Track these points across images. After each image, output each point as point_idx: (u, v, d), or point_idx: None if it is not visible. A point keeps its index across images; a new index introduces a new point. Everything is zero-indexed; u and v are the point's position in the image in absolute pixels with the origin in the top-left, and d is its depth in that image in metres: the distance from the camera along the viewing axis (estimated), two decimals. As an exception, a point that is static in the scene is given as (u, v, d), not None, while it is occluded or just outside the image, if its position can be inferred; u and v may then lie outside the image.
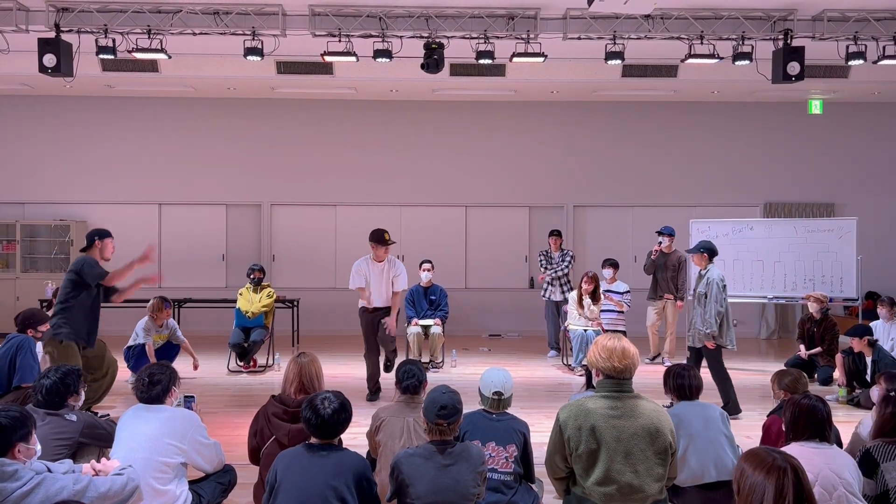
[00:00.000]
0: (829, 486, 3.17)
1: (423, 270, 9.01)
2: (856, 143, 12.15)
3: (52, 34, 7.74)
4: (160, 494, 3.47)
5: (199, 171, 11.86)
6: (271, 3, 7.82)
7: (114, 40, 7.87)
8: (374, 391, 7.35)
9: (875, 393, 5.29)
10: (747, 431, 5.61)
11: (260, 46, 7.94)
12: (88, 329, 6.13)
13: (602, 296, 8.88)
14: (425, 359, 8.63)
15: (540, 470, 3.74)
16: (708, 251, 6.87)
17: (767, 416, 4.50)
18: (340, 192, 11.98)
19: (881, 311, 7.93)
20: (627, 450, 3.18)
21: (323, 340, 10.79)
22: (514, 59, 8.29)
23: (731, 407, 6.53)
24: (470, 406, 3.62)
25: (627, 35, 8.09)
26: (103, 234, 6.28)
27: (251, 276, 8.77)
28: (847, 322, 9.95)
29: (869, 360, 7.26)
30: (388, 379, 7.35)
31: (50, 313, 6.21)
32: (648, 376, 8.46)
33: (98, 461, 3.35)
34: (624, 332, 8.42)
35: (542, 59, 8.25)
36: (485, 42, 8.08)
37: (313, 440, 3.26)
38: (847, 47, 8.10)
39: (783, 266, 9.57)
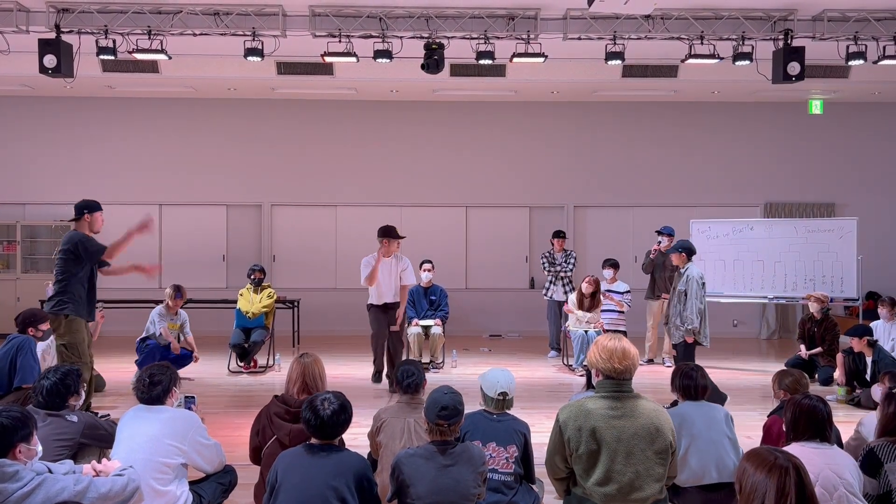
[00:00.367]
0: (829, 487, 3.17)
1: (424, 271, 9.01)
2: (856, 143, 12.14)
3: (53, 35, 7.74)
4: (161, 495, 3.47)
5: (200, 171, 11.86)
6: (271, 4, 7.83)
7: (114, 41, 7.88)
8: (378, 374, 7.78)
9: (877, 392, 5.30)
10: (748, 432, 5.60)
11: (260, 47, 7.94)
12: (88, 302, 6.05)
13: (603, 295, 8.89)
14: (426, 359, 8.63)
15: (540, 470, 3.74)
16: (686, 250, 7.08)
17: (768, 416, 4.49)
18: (341, 193, 11.98)
19: (882, 311, 7.93)
20: (628, 450, 3.17)
21: (323, 341, 10.79)
22: (515, 60, 8.29)
23: None
24: (471, 406, 3.62)
25: (628, 35, 8.09)
26: (93, 206, 6.10)
27: (252, 277, 8.78)
28: (847, 322, 9.95)
29: (869, 360, 7.26)
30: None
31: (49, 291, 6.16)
32: (648, 376, 8.47)
33: (99, 462, 3.36)
34: (624, 333, 8.41)
35: (542, 60, 8.26)
36: (485, 42, 8.08)
37: (314, 441, 3.26)
38: (847, 47, 8.10)
39: (783, 266, 9.57)
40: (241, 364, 8.58)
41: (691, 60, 8.24)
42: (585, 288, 8.65)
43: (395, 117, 11.96)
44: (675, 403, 4.27)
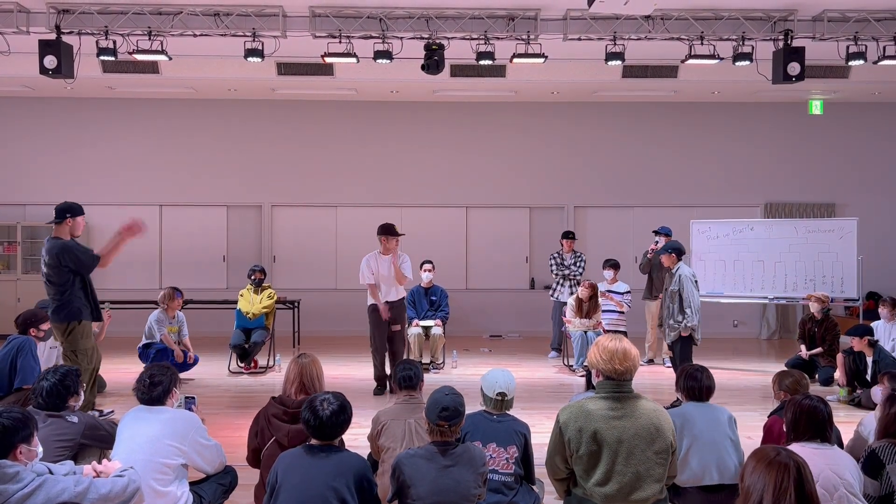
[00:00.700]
0: (830, 487, 3.17)
1: (424, 271, 9.01)
2: (856, 143, 12.15)
3: (53, 36, 7.75)
4: (161, 496, 3.47)
5: (200, 172, 11.87)
6: (272, 5, 7.83)
7: (114, 42, 7.88)
8: (381, 386, 7.58)
9: (877, 393, 5.30)
10: (748, 432, 5.60)
11: (260, 48, 7.94)
12: (92, 302, 5.99)
13: (603, 295, 8.89)
14: (426, 359, 8.63)
15: (541, 471, 3.74)
16: (675, 251, 7.12)
17: (768, 416, 4.49)
18: (341, 194, 11.98)
19: (882, 311, 7.92)
20: (629, 451, 3.17)
21: (323, 341, 10.79)
22: (515, 60, 8.29)
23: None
24: (471, 407, 3.62)
25: (628, 36, 8.09)
26: (76, 210, 5.95)
27: (252, 278, 8.78)
28: (848, 322, 9.94)
29: (869, 360, 7.26)
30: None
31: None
32: (648, 377, 8.47)
33: (99, 462, 3.36)
34: (625, 333, 8.42)
35: (542, 60, 8.26)
36: (485, 43, 8.09)
37: (313, 441, 3.26)
38: (847, 47, 8.10)
39: (784, 266, 9.56)
40: (242, 365, 8.58)
41: (691, 61, 8.24)
42: (582, 293, 8.65)
43: (395, 118, 11.97)
44: (674, 404, 4.27)
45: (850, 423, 4.87)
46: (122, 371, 8.22)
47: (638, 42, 8.27)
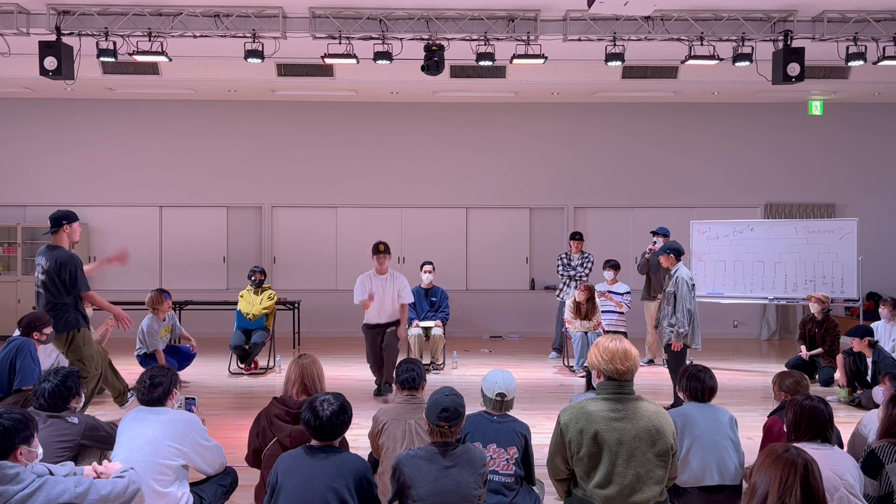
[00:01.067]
0: (830, 488, 3.17)
1: (424, 272, 9.01)
2: (856, 143, 12.15)
3: (53, 37, 7.75)
4: (161, 497, 3.47)
5: (200, 173, 11.87)
6: (272, 6, 7.83)
7: (114, 43, 7.89)
8: (382, 388, 7.49)
9: (877, 393, 5.29)
10: (748, 432, 5.59)
11: (260, 49, 7.95)
12: (83, 314, 6.10)
13: (602, 295, 8.89)
14: (426, 360, 8.63)
15: (541, 471, 3.74)
16: (674, 251, 6.94)
17: (768, 416, 4.49)
18: (341, 194, 11.99)
19: (883, 311, 7.92)
20: (629, 452, 3.17)
21: (324, 342, 10.79)
22: (515, 61, 8.30)
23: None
24: (471, 408, 3.62)
25: (627, 36, 8.10)
26: (72, 217, 6.02)
27: (252, 278, 8.78)
28: (848, 323, 9.95)
29: (869, 360, 7.26)
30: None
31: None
32: (648, 377, 8.47)
33: (100, 463, 3.36)
34: (625, 334, 8.43)
35: (542, 61, 8.26)
36: (485, 44, 8.09)
37: (314, 442, 3.26)
38: (847, 48, 8.10)
39: (784, 267, 9.56)
40: (242, 366, 8.59)
41: (691, 61, 8.25)
42: (579, 296, 8.66)
43: (395, 119, 11.97)
44: (672, 406, 4.26)
45: (851, 423, 4.87)
46: (122, 372, 8.19)
47: (638, 43, 8.27)
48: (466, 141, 12.05)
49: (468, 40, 8.17)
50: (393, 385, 5.64)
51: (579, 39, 8.14)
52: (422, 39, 8.11)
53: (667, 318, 6.76)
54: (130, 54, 8.07)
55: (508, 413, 3.88)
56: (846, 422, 5.69)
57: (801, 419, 3.40)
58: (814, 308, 8.47)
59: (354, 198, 11.98)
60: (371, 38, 8.04)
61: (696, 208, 11.78)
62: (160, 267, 11.86)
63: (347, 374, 8.55)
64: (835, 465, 3.26)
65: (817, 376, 8.16)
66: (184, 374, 7.88)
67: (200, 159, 11.88)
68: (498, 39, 8.13)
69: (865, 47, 8.05)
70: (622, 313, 9.11)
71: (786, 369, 6.46)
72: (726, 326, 11.87)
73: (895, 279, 11.67)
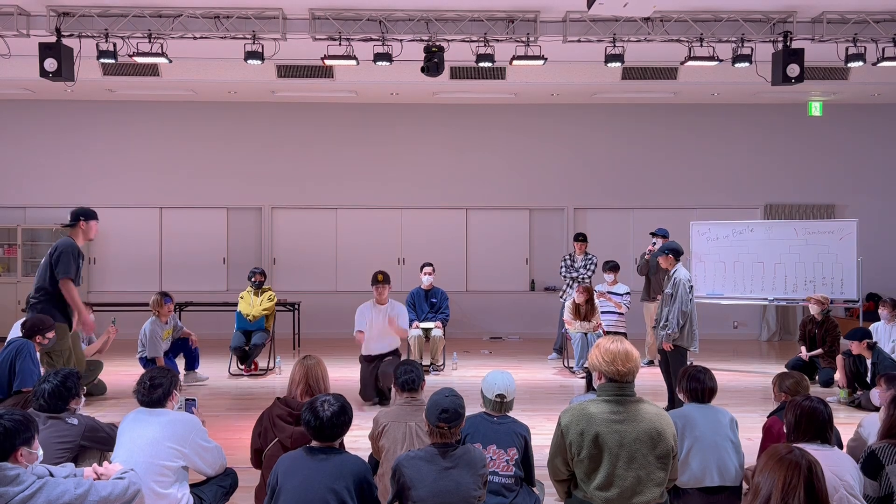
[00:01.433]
0: (830, 488, 3.16)
1: (424, 273, 9.01)
2: (856, 144, 12.15)
3: (53, 38, 7.76)
4: (161, 498, 3.47)
5: (200, 174, 11.88)
6: (272, 7, 7.84)
7: (115, 44, 7.89)
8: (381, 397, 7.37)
9: (874, 395, 5.30)
10: (748, 433, 5.60)
11: (260, 50, 7.95)
12: (68, 316, 6.12)
13: (601, 296, 8.89)
14: (426, 362, 8.63)
15: (541, 472, 3.74)
16: (673, 252, 6.87)
17: (768, 417, 4.49)
18: (341, 196, 11.99)
19: (883, 312, 7.92)
20: (630, 454, 3.16)
21: (324, 343, 10.78)
22: (514, 62, 8.30)
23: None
24: (471, 409, 3.62)
25: (627, 38, 8.11)
26: (89, 214, 6.09)
27: (252, 280, 8.78)
28: (848, 324, 9.95)
29: (869, 362, 7.26)
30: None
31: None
32: (648, 378, 8.47)
33: (100, 465, 3.36)
34: (624, 334, 8.44)
35: (542, 62, 8.27)
36: (485, 45, 8.10)
37: (314, 443, 3.26)
38: (846, 49, 8.11)
39: (784, 268, 9.56)
40: (242, 367, 8.58)
41: (691, 62, 8.26)
42: (578, 298, 8.66)
43: (395, 120, 11.98)
44: (669, 407, 4.26)
45: (851, 424, 4.87)
46: (122, 374, 8.22)
47: (637, 44, 8.28)
48: (466, 142, 12.05)
49: (468, 41, 8.18)
50: (392, 389, 5.61)
51: (579, 41, 8.15)
52: (422, 41, 8.12)
53: (665, 319, 6.75)
54: (130, 56, 8.07)
55: (508, 414, 3.88)
56: (846, 423, 5.69)
57: (801, 420, 3.40)
58: (813, 309, 8.47)
59: (354, 199, 11.98)
60: (371, 40, 8.05)
61: (696, 209, 11.78)
62: (160, 268, 11.86)
63: (347, 375, 8.54)
64: (834, 465, 3.26)
65: (817, 377, 8.16)
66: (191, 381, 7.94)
67: (200, 161, 11.88)
68: (497, 41, 8.14)
69: (865, 48, 8.05)
70: (622, 314, 9.11)
71: (786, 370, 6.47)
72: (726, 327, 11.87)
73: (895, 280, 11.67)
